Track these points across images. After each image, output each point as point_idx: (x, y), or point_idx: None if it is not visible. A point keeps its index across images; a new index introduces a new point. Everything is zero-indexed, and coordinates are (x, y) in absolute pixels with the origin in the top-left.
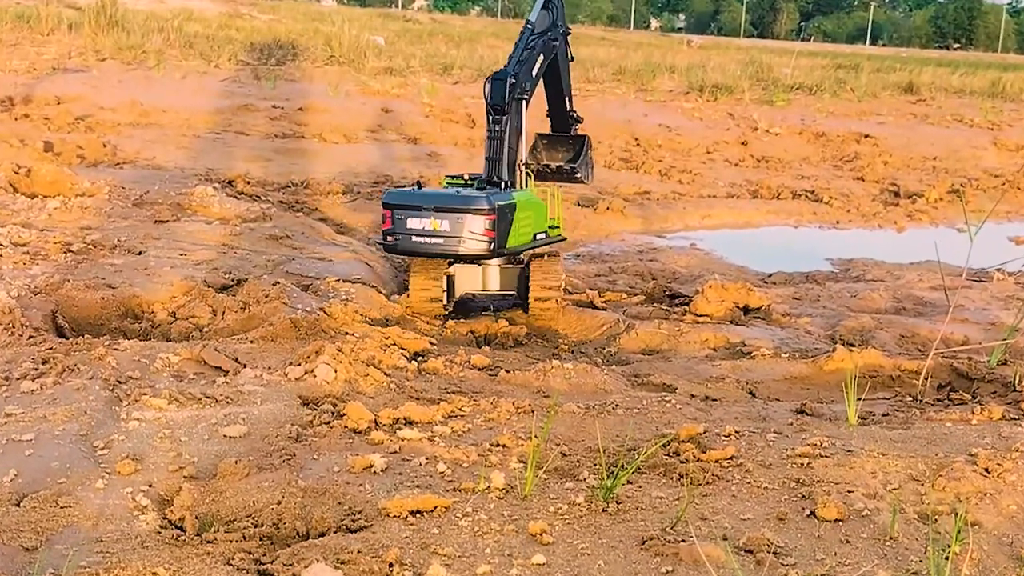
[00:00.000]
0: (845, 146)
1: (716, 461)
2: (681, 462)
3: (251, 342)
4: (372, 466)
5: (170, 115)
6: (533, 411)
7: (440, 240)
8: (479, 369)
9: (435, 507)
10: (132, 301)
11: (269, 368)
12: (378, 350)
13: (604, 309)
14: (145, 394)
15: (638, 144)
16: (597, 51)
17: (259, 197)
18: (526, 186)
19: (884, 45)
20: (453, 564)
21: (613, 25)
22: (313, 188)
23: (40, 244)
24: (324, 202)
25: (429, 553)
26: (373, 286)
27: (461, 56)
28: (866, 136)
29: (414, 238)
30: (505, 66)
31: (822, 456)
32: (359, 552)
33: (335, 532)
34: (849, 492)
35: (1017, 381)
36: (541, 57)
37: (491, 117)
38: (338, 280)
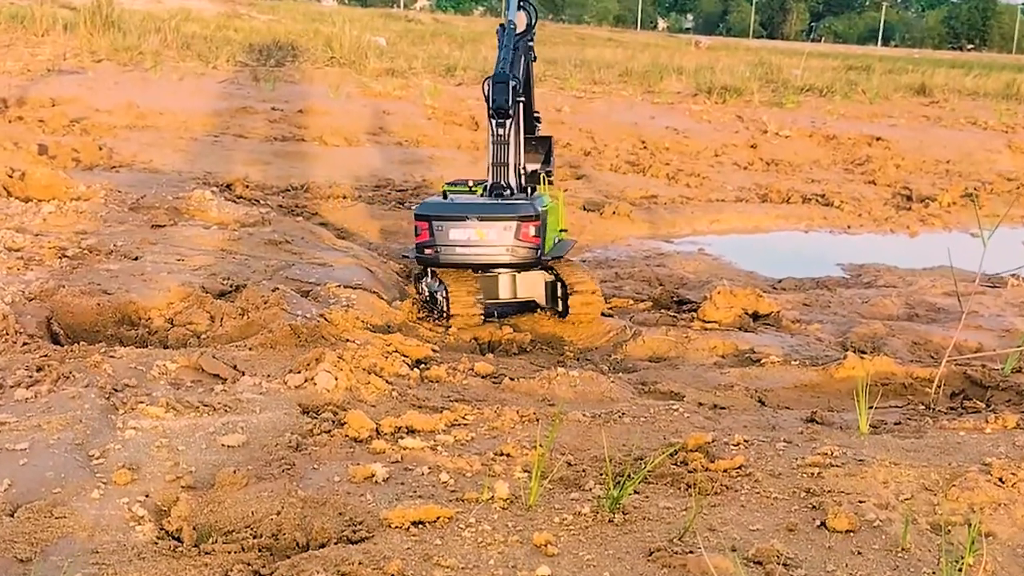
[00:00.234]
0: (856, 149)
1: (725, 471)
2: (689, 472)
3: (250, 349)
4: (373, 476)
5: (167, 117)
6: (538, 419)
7: (486, 250)
8: (483, 377)
9: (438, 517)
10: (128, 307)
11: (268, 376)
12: (380, 357)
13: (610, 315)
14: (142, 402)
15: (645, 147)
16: (603, 52)
17: (258, 201)
18: (534, 191)
19: (896, 46)
20: None
21: (620, 26)
22: (313, 192)
23: (34, 249)
24: (324, 206)
25: (432, 564)
26: (375, 292)
27: (464, 57)
28: (878, 139)
29: (458, 250)
30: (500, 68)
31: (833, 466)
32: (360, 564)
33: (336, 543)
34: (860, 502)
35: None
36: (523, 58)
37: (495, 121)
38: (339, 286)
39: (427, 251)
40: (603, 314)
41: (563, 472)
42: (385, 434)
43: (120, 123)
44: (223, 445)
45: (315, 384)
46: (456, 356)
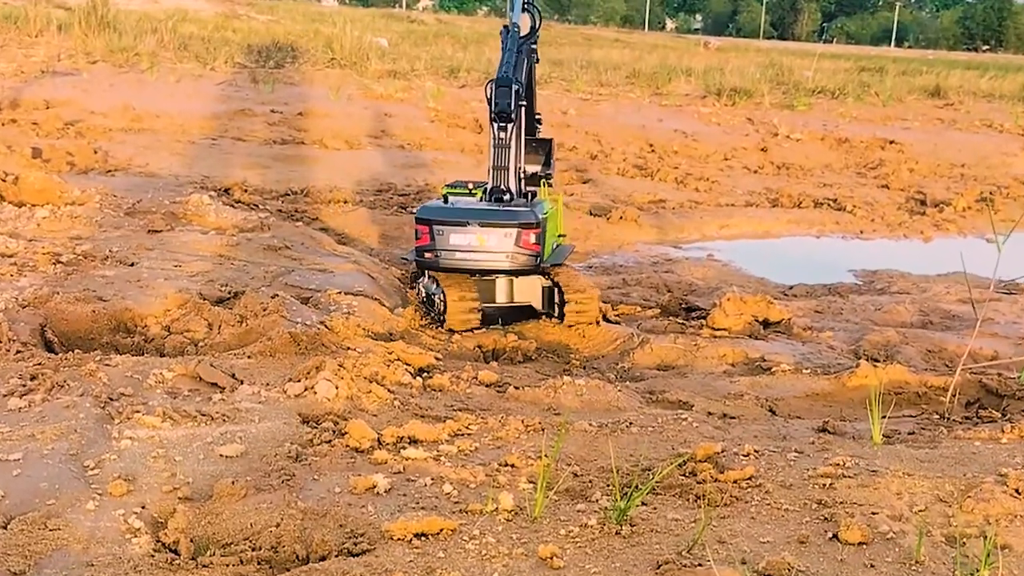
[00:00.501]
0: (869, 152)
1: (734, 482)
2: (698, 482)
3: (248, 357)
4: (375, 487)
5: (164, 120)
6: (543, 429)
7: (486, 256)
8: (487, 385)
9: (441, 530)
10: (124, 314)
11: (267, 384)
12: (381, 366)
13: (617, 323)
14: (138, 412)
15: (653, 150)
16: (610, 53)
17: (257, 206)
18: (534, 195)
19: (910, 47)
20: None
21: (627, 26)
22: (313, 196)
23: (28, 255)
24: (325, 211)
25: None
26: (376, 299)
27: (468, 59)
28: (891, 142)
29: (458, 255)
30: (503, 71)
31: (845, 476)
32: None
33: (336, 556)
34: (873, 514)
35: None
36: (526, 61)
37: (496, 125)
38: (340, 292)
39: (427, 255)
40: (610, 321)
41: (569, 483)
42: (387, 444)
43: (116, 126)
44: (221, 455)
45: (315, 393)
46: (460, 364)
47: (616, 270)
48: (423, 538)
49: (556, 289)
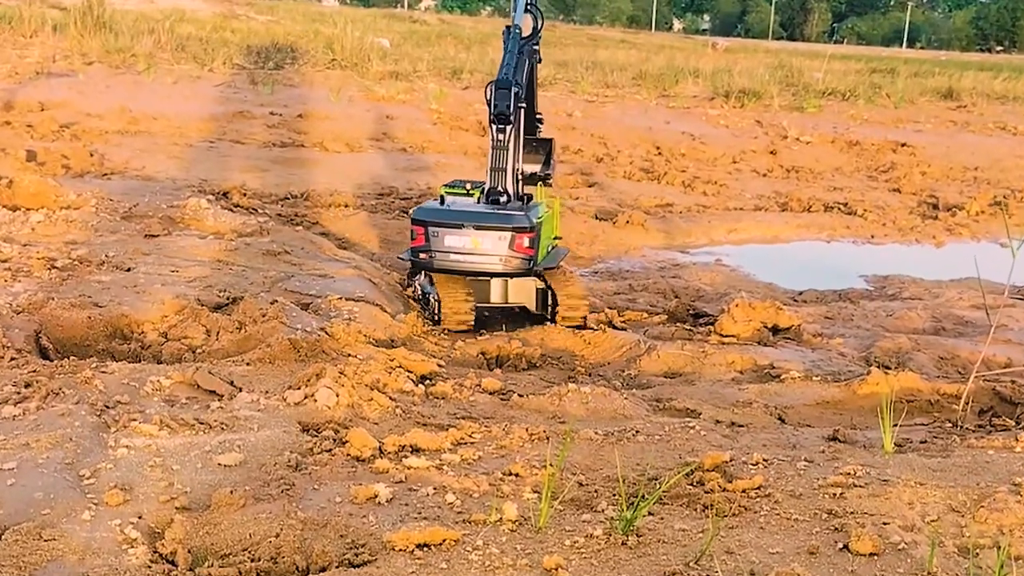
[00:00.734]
0: (880, 155)
1: (743, 491)
2: (706, 492)
3: (247, 364)
4: (376, 496)
5: (161, 122)
6: (548, 438)
7: (480, 258)
8: (490, 393)
9: (443, 540)
10: (121, 321)
11: (267, 392)
12: (383, 373)
13: (624, 329)
14: (134, 420)
15: (660, 153)
16: (616, 54)
17: (256, 210)
18: (530, 197)
19: (922, 48)
20: None
21: (633, 27)
22: (314, 200)
23: (22, 260)
24: (325, 215)
25: None
26: (378, 305)
27: (471, 60)
28: (903, 145)
29: (452, 256)
30: (504, 73)
31: (856, 486)
32: None
33: (337, 567)
34: (885, 524)
35: None
36: (527, 62)
37: (495, 127)
38: (340, 298)
39: (422, 255)
40: (616, 327)
41: (574, 493)
42: (388, 453)
43: (112, 128)
44: (219, 464)
45: (315, 401)
46: (463, 371)
47: (622, 275)
48: (425, 549)
49: (550, 291)
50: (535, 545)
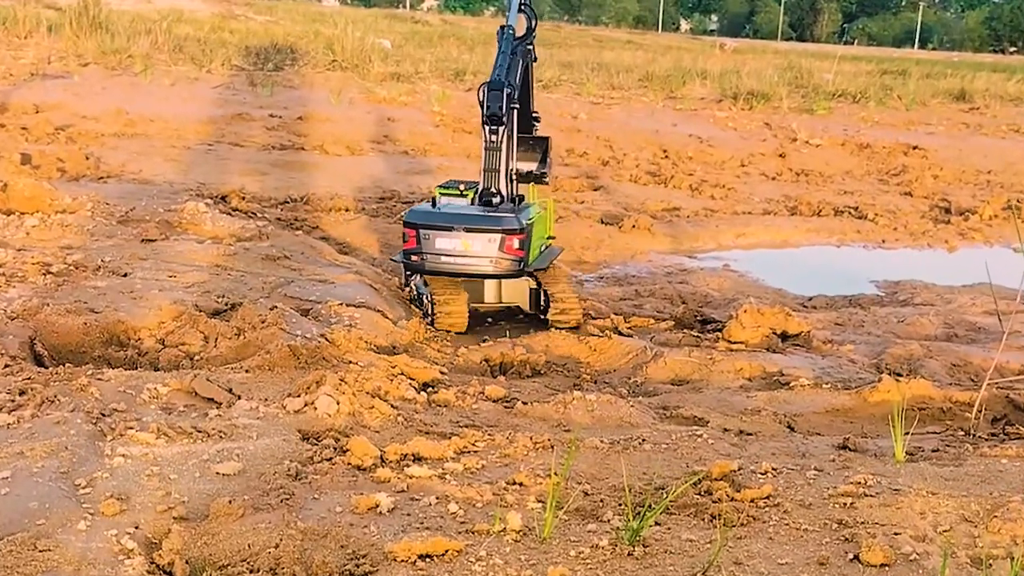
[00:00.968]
0: (892, 158)
1: (751, 501)
2: (713, 502)
3: (246, 371)
4: (378, 506)
5: (158, 125)
6: (553, 446)
7: (470, 260)
8: (494, 401)
9: (446, 551)
10: (117, 327)
11: (266, 400)
12: (384, 380)
13: (630, 335)
14: (131, 428)
15: (667, 156)
16: (622, 55)
17: (255, 214)
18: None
19: (934, 49)
20: None
21: (640, 27)
22: (314, 204)
23: (17, 265)
24: (325, 219)
25: None
26: (379, 310)
27: (474, 61)
28: (914, 148)
29: (443, 258)
30: (496, 74)
31: (867, 495)
32: None
33: None
34: (896, 534)
35: None
36: (521, 62)
37: (488, 128)
38: (341, 304)
39: (413, 258)
40: (622, 334)
41: (579, 502)
42: (390, 462)
43: (108, 131)
44: (218, 473)
45: (315, 409)
46: (466, 379)
47: (629, 280)
48: (428, 559)
49: (543, 291)
50: (539, 556)
